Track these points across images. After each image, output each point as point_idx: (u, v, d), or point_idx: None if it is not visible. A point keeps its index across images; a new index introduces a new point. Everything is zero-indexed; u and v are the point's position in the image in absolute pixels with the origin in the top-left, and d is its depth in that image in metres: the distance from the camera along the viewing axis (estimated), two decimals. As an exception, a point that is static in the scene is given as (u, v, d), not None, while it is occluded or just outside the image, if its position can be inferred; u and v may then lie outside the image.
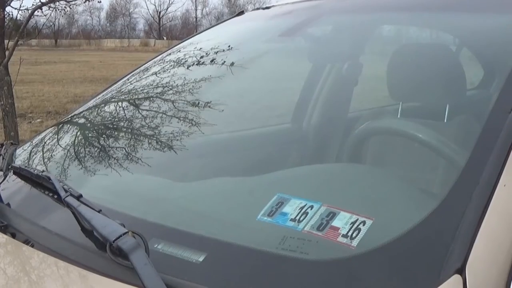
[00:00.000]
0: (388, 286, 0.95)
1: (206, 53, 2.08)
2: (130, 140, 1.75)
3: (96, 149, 1.75)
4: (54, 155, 1.77)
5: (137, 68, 2.22)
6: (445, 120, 1.69)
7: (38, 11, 6.85)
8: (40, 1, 6.74)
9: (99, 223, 1.12)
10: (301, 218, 1.11)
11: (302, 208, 1.14)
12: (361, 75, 2.30)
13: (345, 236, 1.05)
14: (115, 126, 1.87)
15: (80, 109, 2.04)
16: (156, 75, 2.07)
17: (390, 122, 1.77)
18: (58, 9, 7.56)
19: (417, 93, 1.82)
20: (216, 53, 2.06)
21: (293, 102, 2.57)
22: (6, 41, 6.38)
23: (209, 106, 1.86)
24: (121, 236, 1.05)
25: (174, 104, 1.85)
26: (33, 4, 6.75)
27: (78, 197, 1.24)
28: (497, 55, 1.57)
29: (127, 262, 1.02)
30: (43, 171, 1.48)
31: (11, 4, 6.53)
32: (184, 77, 1.98)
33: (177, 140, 1.70)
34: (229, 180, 1.58)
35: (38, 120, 10.38)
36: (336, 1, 2.31)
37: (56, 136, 1.90)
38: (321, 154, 2.13)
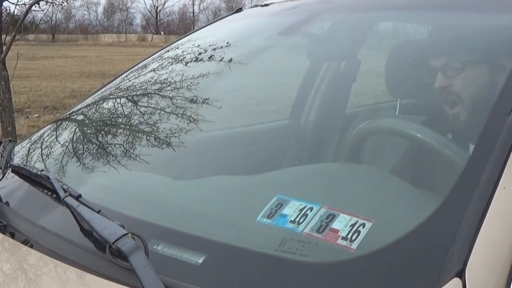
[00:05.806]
0: (388, 289, 0.94)
1: (205, 50, 2.08)
2: (129, 137, 1.75)
3: (95, 147, 1.74)
4: (53, 152, 1.76)
5: (136, 65, 2.22)
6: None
7: (35, 6, 6.84)
8: (37, -4, 6.72)
9: (99, 224, 1.12)
10: (301, 220, 1.11)
11: (301, 209, 1.14)
12: (359, 72, 2.30)
13: (344, 238, 1.04)
14: (114, 124, 1.86)
15: (79, 106, 2.02)
16: (155, 72, 2.07)
17: (389, 122, 1.76)
18: (56, 4, 7.55)
19: (415, 90, 1.82)
20: (214, 50, 2.05)
21: (292, 99, 2.57)
22: (3, 36, 6.36)
23: (208, 103, 1.86)
24: (120, 237, 1.05)
25: (176, 103, 1.85)
26: (30, -1, 6.74)
27: (77, 197, 1.24)
28: (497, 55, 1.56)
29: (127, 263, 1.01)
30: (42, 170, 1.48)
31: (9, -1, 6.48)
32: (183, 74, 1.98)
33: (177, 138, 1.69)
34: (229, 179, 1.57)
35: (36, 115, 10.36)
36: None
37: (55, 133, 1.89)
38: (319, 151, 2.13)
